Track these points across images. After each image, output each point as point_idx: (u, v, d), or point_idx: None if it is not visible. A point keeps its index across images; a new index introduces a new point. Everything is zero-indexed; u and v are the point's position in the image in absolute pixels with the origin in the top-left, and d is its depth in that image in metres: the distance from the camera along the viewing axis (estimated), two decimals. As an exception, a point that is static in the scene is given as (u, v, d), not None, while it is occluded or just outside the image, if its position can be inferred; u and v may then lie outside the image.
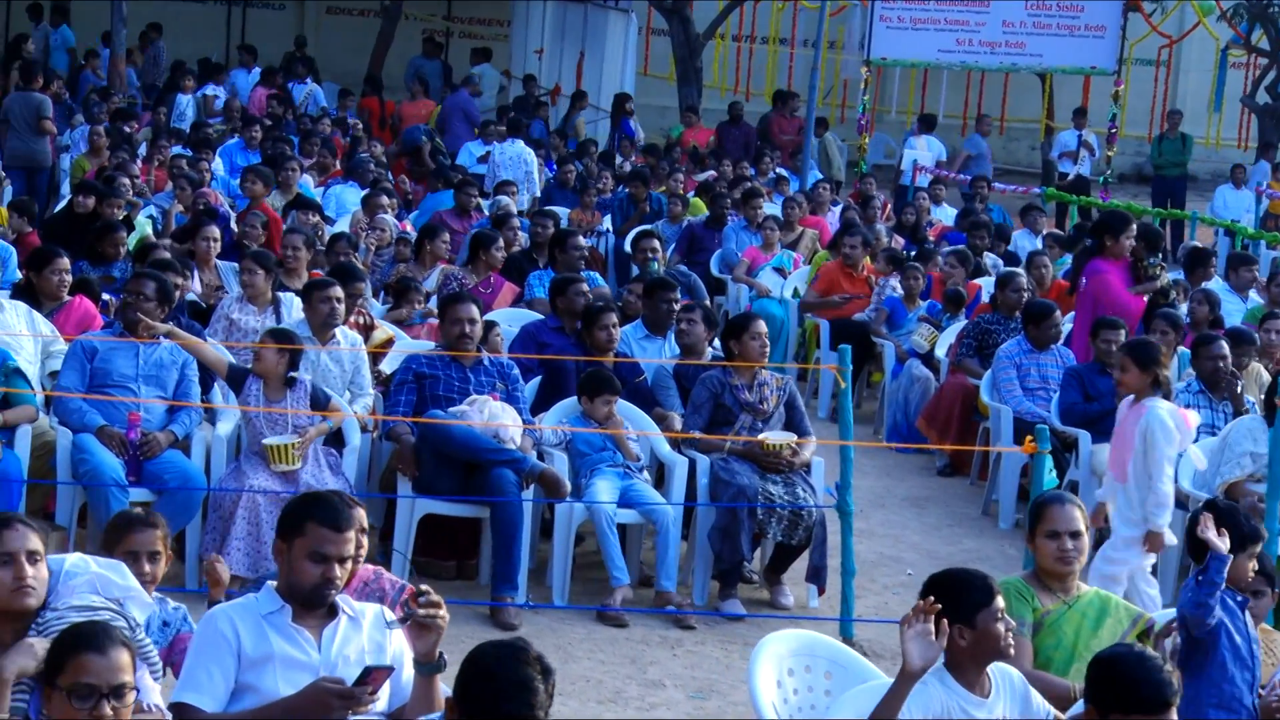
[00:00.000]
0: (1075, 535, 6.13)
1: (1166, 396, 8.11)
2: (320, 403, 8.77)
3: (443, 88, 26.88)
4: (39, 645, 4.71)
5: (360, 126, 21.37)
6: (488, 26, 31.49)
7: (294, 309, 10.59)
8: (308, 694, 4.91)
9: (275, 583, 5.18)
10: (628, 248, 16.21)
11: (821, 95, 29.31)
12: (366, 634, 5.18)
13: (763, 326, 9.53)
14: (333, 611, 5.17)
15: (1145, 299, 11.43)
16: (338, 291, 9.57)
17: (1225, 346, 9.81)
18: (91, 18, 27.20)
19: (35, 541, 4.88)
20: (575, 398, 9.33)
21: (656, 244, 13.45)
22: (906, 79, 30.23)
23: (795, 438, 9.23)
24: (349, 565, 5.25)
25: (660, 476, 9.49)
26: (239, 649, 5.02)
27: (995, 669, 5.32)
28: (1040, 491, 7.21)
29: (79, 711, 4.27)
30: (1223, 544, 5.96)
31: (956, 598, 5.22)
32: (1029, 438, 7.26)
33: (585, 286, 10.64)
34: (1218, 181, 25.39)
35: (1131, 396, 8.06)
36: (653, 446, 9.38)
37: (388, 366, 10.18)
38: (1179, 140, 24.85)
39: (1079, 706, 5.16)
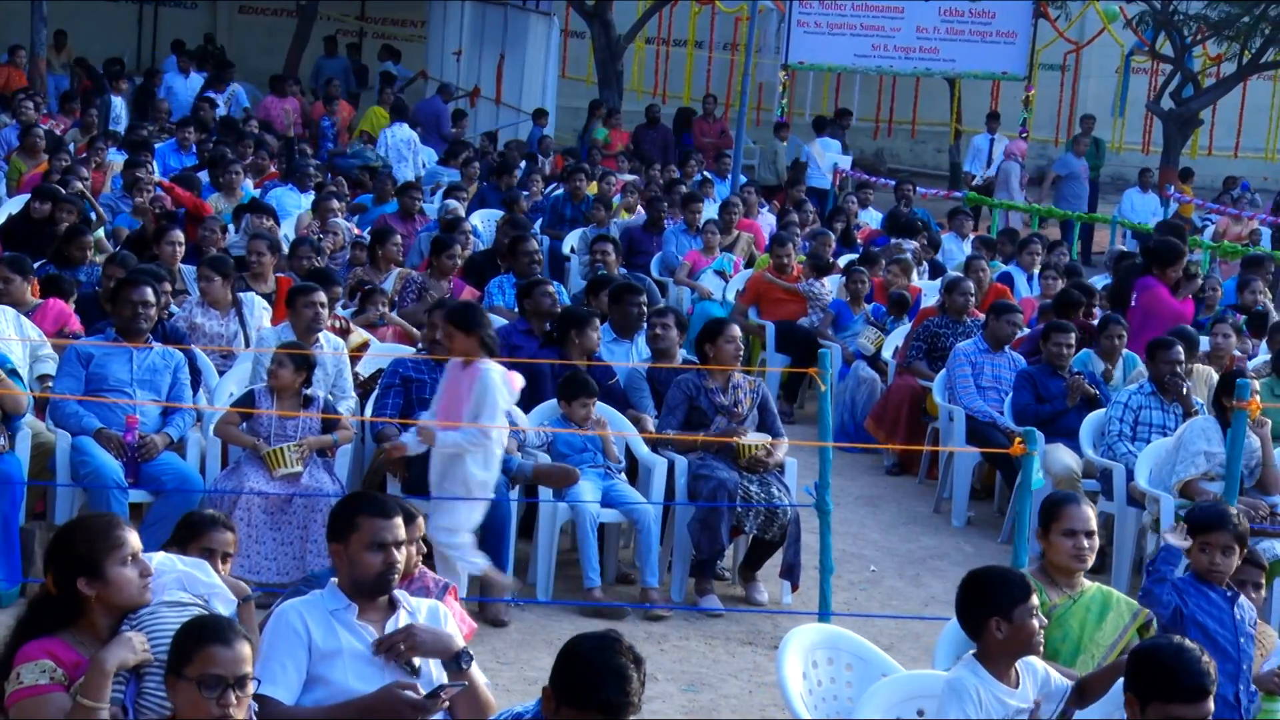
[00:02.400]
0: (1089, 534, 6.43)
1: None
2: (331, 421, 8.98)
3: (355, 89, 26.99)
4: (137, 640, 4.92)
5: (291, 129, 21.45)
6: (402, 27, 31.56)
7: (256, 310, 10.75)
8: (381, 697, 5.16)
9: (336, 580, 5.43)
10: (565, 250, 16.48)
11: (738, 99, 29.76)
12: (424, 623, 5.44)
13: (737, 331, 9.82)
14: (392, 606, 5.42)
15: (1192, 300, 11.90)
16: (321, 296, 9.76)
17: (1181, 352, 10.20)
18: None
19: (139, 540, 5.10)
20: (555, 400, 9.56)
21: (610, 247, 13.68)
22: (820, 82, 30.64)
23: (770, 439, 9.52)
24: (404, 550, 5.50)
25: (634, 477, 9.71)
26: (310, 642, 5.26)
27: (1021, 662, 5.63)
28: (1029, 490, 7.55)
29: (207, 700, 4.49)
30: (1177, 539, 6.33)
31: (996, 593, 5.54)
32: (1018, 439, 7.57)
33: (551, 288, 10.88)
34: (1120, 184, 26.04)
35: (461, 360, 8.32)
36: (630, 448, 9.62)
37: (363, 370, 10.37)
38: (1091, 144, 25.39)
39: (1117, 695, 5.45)
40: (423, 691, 5.18)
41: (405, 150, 21.84)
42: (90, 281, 11.30)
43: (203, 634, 4.58)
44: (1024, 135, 26.16)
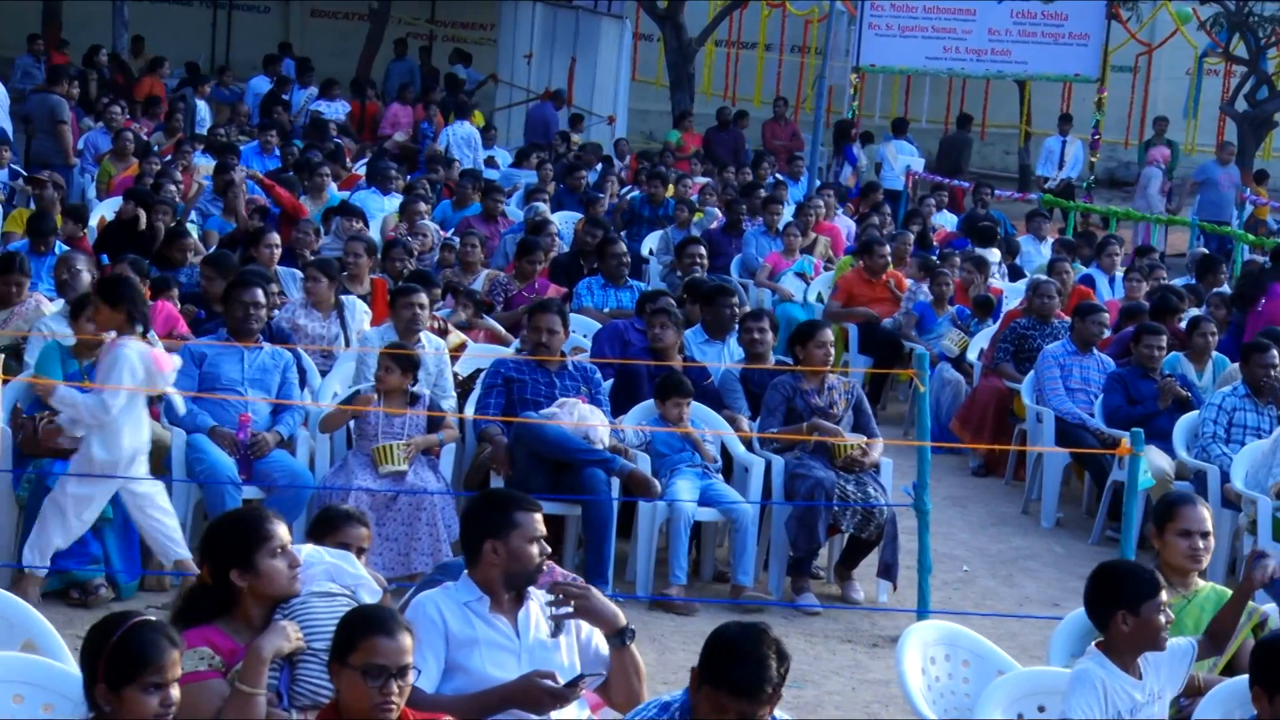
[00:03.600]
0: (1205, 535, 6.51)
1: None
2: (437, 418, 9.13)
3: (421, 90, 27.18)
4: (291, 629, 5.12)
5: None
6: (472, 30, 31.78)
7: (357, 312, 10.94)
8: (521, 685, 5.31)
9: (468, 573, 5.61)
10: (644, 251, 16.63)
11: (809, 102, 29.87)
12: (543, 617, 5.61)
13: (829, 335, 9.92)
14: (520, 599, 5.59)
15: None
16: (421, 298, 9.93)
17: (1276, 356, 10.24)
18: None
19: (289, 534, 5.26)
20: (652, 400, 9.70)
21: (703, 250, 13.81)
22: (889, 85, 30.70)
23: (865, 439, 9.63)
24: (547, 550, 5.69)
25: (728, 475, 9.83)
26: (446, 632, 5.44)
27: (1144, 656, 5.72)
28: (1135, 490, 7.63)
29: (370, 688, 4.63)
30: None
31: (1125, 587, 5.65)
32: (1123, 440, 7.65)
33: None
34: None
35: (114, 332, 8.08)
36: (728, 447, 9.74)
37: (461, 370, 10.53)
38: (1165, 146, 25.37)
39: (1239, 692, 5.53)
40: (562, 681, 5.31)
41: (467, 148, 22.12)
42: (190, 283, 11.50)
43: (367, 624, 4.72)
44: (1096, 138, 26.15)
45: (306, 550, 5.41)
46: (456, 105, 23.82)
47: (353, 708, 4.67)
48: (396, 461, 8.87)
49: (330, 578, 5.36)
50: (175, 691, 4.50)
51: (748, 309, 11.39)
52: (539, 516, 5.63)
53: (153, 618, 4.65)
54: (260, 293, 9.21)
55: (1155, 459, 10.46)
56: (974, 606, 9.59)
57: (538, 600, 5.60)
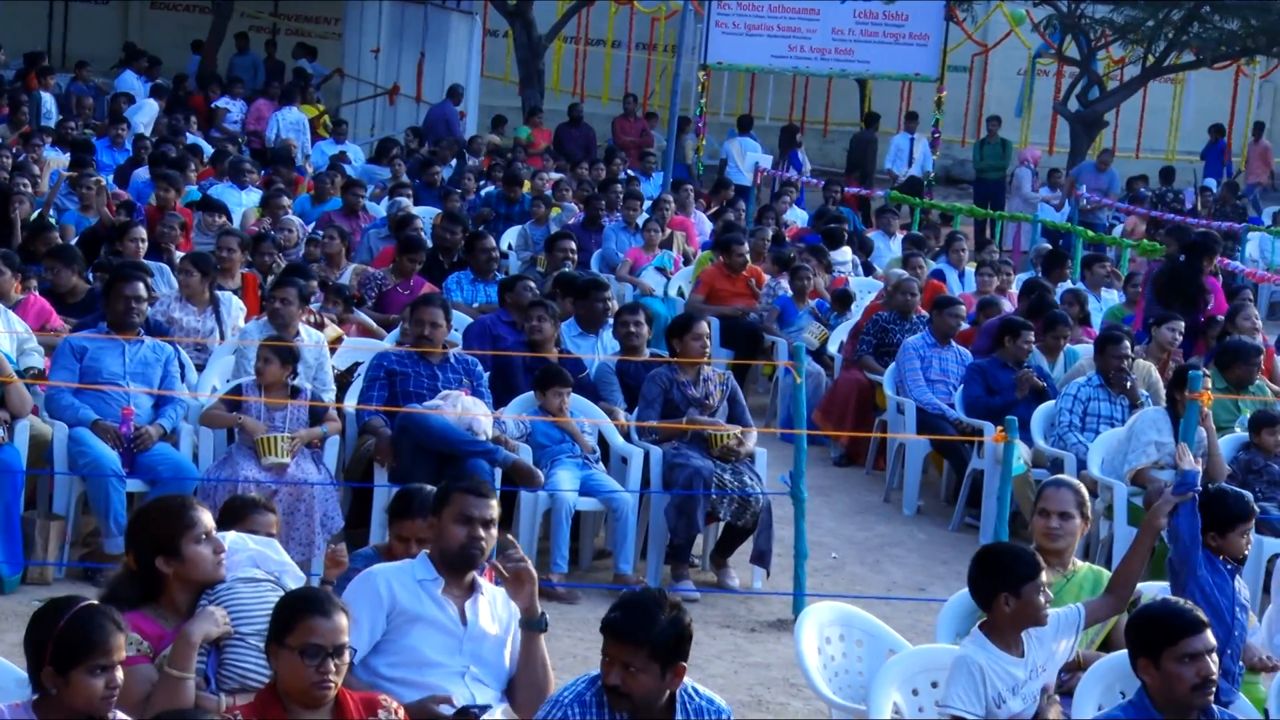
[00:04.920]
0: (1063, 515, 6.78)
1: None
2: (319, 411, 9.19)
3: (267, 85, 26.97)
4: (219, 613, 5.23)
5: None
6: (317, 24, 31.58)
7: (232, 308, 10.95)
8: (416, 707, 5.47)
9: (429, 552, 5.77)
10: (503, 246, 16.71)
11: (657, 98, 30.16)
12: (498, 611, 5.79)
13: (704, 327, 10.14)
14: (472, 588, 5.73)
15: None
16: (293, 293, 9.96)
17: (1128, 346, 10.66)
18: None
19: (212, 520, 5.36)
20: (532, 392, 9.84)
21: (573, 245, 13.97)
22: (734, 82, 31.06)
23: (740, 429, 9.86)
24: (494, 531, 5.79)
25: (606, 465, 10.00)
26: (391, 607, 5.61)
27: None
28: (1009, 476, 7.94)
29: (308, 668, 4.76)
30: (1188, 463, 6.64)
31: (1006, 569, 5.89)
32: (1000, 428, 7.95)
33: (531, 282, 11.18)
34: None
35: None
36: (607, 438, 9.92)
37: (339, 363, 10.59)
38: (999, 145, 26.06)
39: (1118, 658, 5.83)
40: (457, 705, 5.48)
41: (295, 134, 22.43)
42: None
43: (304, 606, 4.85)
44: (936, 136, 26.72)
45: (230, 538, 5.51)
46: (284, 91, 23.89)
47: (291, 687, 4.80)
48: (280, 454, 8.92)
49: (255, 564, 5.46)
50: (120, 674, 4.58)
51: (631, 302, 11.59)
52: (485, 501, 5.76)
53: (96, 602, 4.72)
54: (142, 286, 9.21)
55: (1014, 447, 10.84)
56: (845, 591, 9.85)
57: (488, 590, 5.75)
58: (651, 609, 5.06)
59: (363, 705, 4.91)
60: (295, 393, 9.22)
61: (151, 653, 5.16)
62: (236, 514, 6.14)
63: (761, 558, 9.68)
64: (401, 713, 5.01)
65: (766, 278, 14.66)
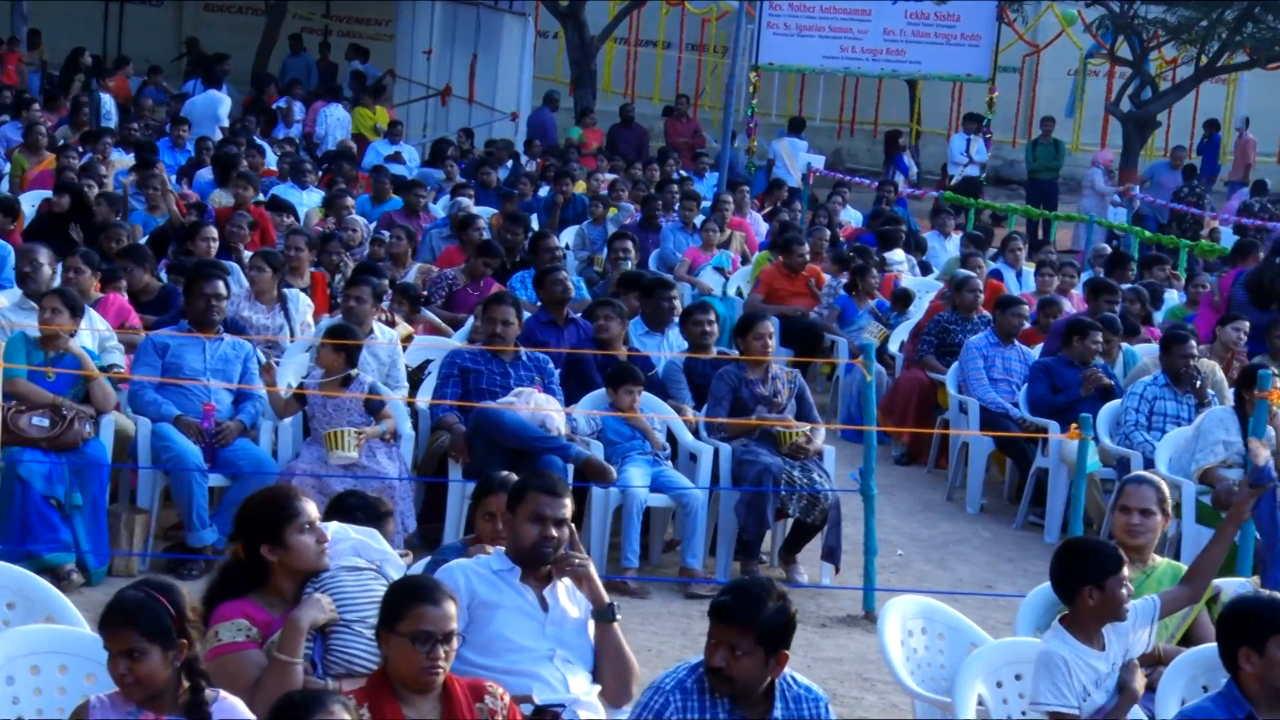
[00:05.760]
0: (1144, 513, 6.87)
1: None
2: (375, 404, 9.30)
3: (321, 86, 27.20)
4: (325, 601, 5.36)
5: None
6: (369, 25, 31.79)
7: (300, 304, 11.09)
8: None
9: (505, 548, 5.89)
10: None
11: (708, 98, 30.26)
12: (576, 595, 5.90)
13: (768, 327, 10.22)
14: (550, 576, 5.86)
15: None
16: (366, 291, 10.09)
17: (1194, 345, 10.71)
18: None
19: (316, 510, 5.49)
20: (604, 389, 9.96)
21: (630, 244, 14.09)
22: (784, 83, 31.14)
23: (808, 427, 9.95)
24: (565, 530, 5.89)
25: (675, 462, 10.11)
26: (469, 599, 5.71)
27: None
28: (1083, 473, 8.00)
29: (418, 654, 4.88)
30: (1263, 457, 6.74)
31: (1090, 563, 5.96)
32: (1075, 425, 8.02)
33: (564, 275, 11.29)
34: (1076, 185, 26.71)
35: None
36: (676, 435, 10.02)
37: (410, 360, 10.73)
38: (1052, 145, 26.06)
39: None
40: (538, 701, 5.60)
41: (340, 131, 22.76)
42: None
43: (415, 594, 4.97)
44: (988, 136, 26.75)
45: (333, 527, 5.63)
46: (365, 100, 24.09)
47: (402, 672, 4.92)
48: (347, 448, 9.01)
49: (357, 553, 5.59)
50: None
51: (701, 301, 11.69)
52: (559, 500, 5.85)
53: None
54: (221, 284, 9.39)
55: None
56: (912, 588, 9.92)
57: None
58: (760, 595, 5.16)
59: (469, 690, 5.02)
60: (348, 382, 9.31)
61: (260, 638, 5.29)
62: (345, 509, 6.25)
63: (831, 554, 9.75)
64: (507, 698, 5.12)
65: (826, 277, 14.74)
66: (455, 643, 4.98)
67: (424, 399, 9.90)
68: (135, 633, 4.62)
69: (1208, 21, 25.57)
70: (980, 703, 6.11)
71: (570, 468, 9.33)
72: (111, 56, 29.58)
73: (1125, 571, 6.02)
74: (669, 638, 8.80)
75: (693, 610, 9.21)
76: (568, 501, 5.91)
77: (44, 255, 9.99)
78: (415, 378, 10.49)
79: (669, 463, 9.89)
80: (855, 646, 8.82)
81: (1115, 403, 11.02)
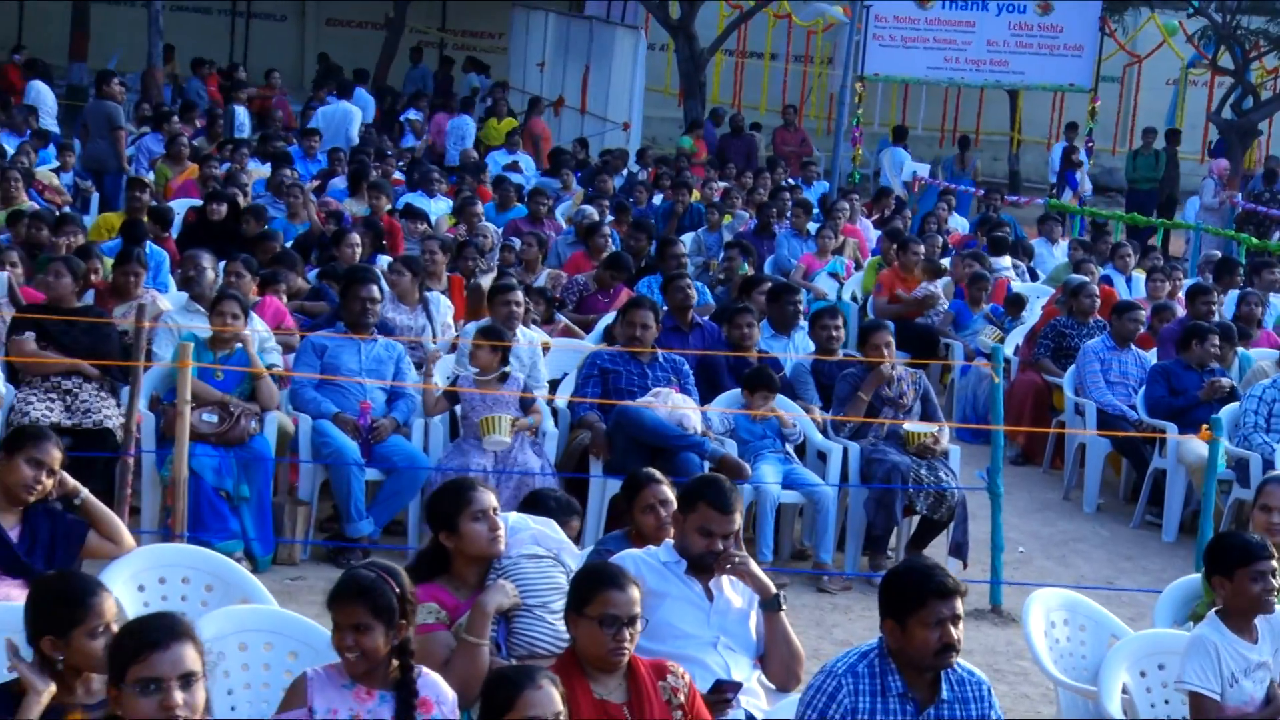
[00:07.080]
0: None
1: None
2: (526, 401, 9.76)
3: (440, 97, 27.78)
4: (510, 587, 5.77)
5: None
6: (482, 39, 32.38)
7: (441, 306, 11.57)
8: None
9: (672, 541, 6.25)
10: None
11: (813, 109, 30.58)
12: (740, 586, 6.24)
13: (886, 335, 10.56)
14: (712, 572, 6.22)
15: None
16: (518, 295, 10.54)
17: (1311, 349, 11.00)
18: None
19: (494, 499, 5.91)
20: (737, 390, 10.36)
21: (736, 253, 14.62)
22: (887, 93, 31.44)
23: (935, 428, 10.30)
24: (731, 540, 6.22)
25: (803, 461, 10.48)
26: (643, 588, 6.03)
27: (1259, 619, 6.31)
28: (1215, 474, 8.31)
29: (605, 636, 5.24)
30: None
31: (1222, 555, 6.29)
32: (1205, 426, 8.33)
33: (687, 283, 11.68)
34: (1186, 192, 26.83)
35: None
36: (806, 434, 10.40)
37: (550, 369, 11.16)
38: (1152, 156, 26.18)
39: None
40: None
41: (463, 141, 23.40)
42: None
43: (602, 579, 5.34)
44: (1090, 146, 26.94)
45: (513, 518, 6.06)
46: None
47: (589, 653, 5.28)
48: (502, 432, 9.43)
49: (536, 542, 6.00)
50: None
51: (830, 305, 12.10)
52: (729, 516, 6.13)
53: None
54: (375, 288, 9.88)
55: (1196, 447, 11.13)
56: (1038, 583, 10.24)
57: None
58: (950, 586, 5.34)
59: (653, 670, 5.37)
60: (504, 379, 9.76)
61: (448, 621, 5.69)
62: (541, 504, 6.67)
63: (959, 550, 10.07)
64: (688, 677, 5.45)
65: (921, 282, 15.10)
66: (639, 625, 5.31)
67: (564, 397, 10.33)
68: (365, 609, 4.92)
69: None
70: (1124, 691, 6.41)
71: (706, 464, 9.75)
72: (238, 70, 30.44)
73: (1260, 566, 6.19)
74: (803, 629, 9.07)
75: (824, 603, 9.59)
76: (736, 517, 6.19)
77: (207, 260, 10.52)
78: (555, 381, 10.90)
79: (798, 460, 10.26)
80: (984, 639, 9.14)
81: (1234, 405, 11.27)
